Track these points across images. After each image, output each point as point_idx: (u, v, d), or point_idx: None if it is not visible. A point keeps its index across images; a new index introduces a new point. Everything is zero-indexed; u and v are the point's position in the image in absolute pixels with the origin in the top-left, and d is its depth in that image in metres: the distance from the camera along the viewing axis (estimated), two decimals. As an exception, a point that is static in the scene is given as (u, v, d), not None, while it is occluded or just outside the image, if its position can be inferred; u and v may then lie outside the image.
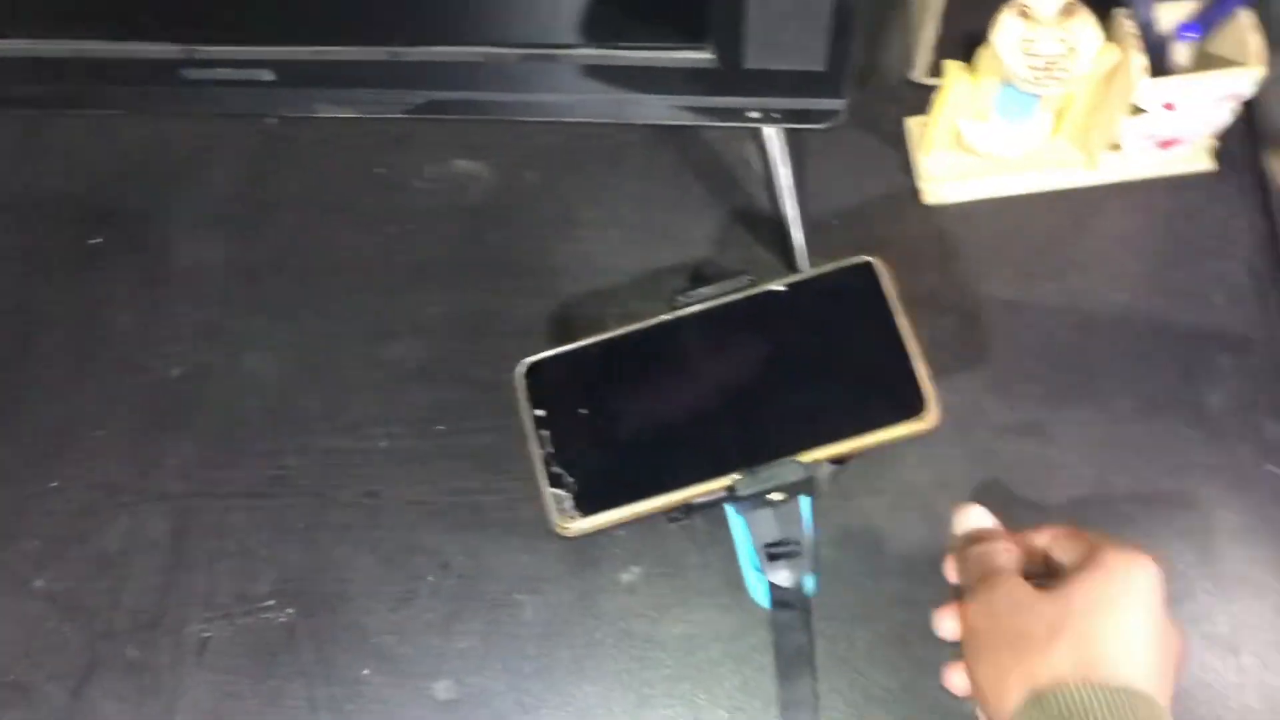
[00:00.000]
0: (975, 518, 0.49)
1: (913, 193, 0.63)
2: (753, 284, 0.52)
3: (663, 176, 0.65)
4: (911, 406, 0.49)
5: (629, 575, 0.56)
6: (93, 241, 0.65)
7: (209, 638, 0.56)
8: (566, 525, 0.49)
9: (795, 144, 0.63)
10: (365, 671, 0.55)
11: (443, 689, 0.55)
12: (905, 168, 0.64)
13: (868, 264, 0.51)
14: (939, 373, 0.59)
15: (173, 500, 0.59)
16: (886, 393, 0.49)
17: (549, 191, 0.65)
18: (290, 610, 0.56)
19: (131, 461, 0.60)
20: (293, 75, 0.56)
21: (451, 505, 0.58)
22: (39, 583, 0.57)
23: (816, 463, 0.48)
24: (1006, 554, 0.46)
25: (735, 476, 0.48)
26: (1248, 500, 0.56)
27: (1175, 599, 0.54)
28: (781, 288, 0.52)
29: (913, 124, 0.64)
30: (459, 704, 0.55)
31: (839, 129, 0.65)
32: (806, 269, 0.54)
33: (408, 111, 0.58)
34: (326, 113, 0.58)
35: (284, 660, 0.56)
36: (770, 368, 0.50)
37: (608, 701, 0.54)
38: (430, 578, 0.57)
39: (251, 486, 0.59)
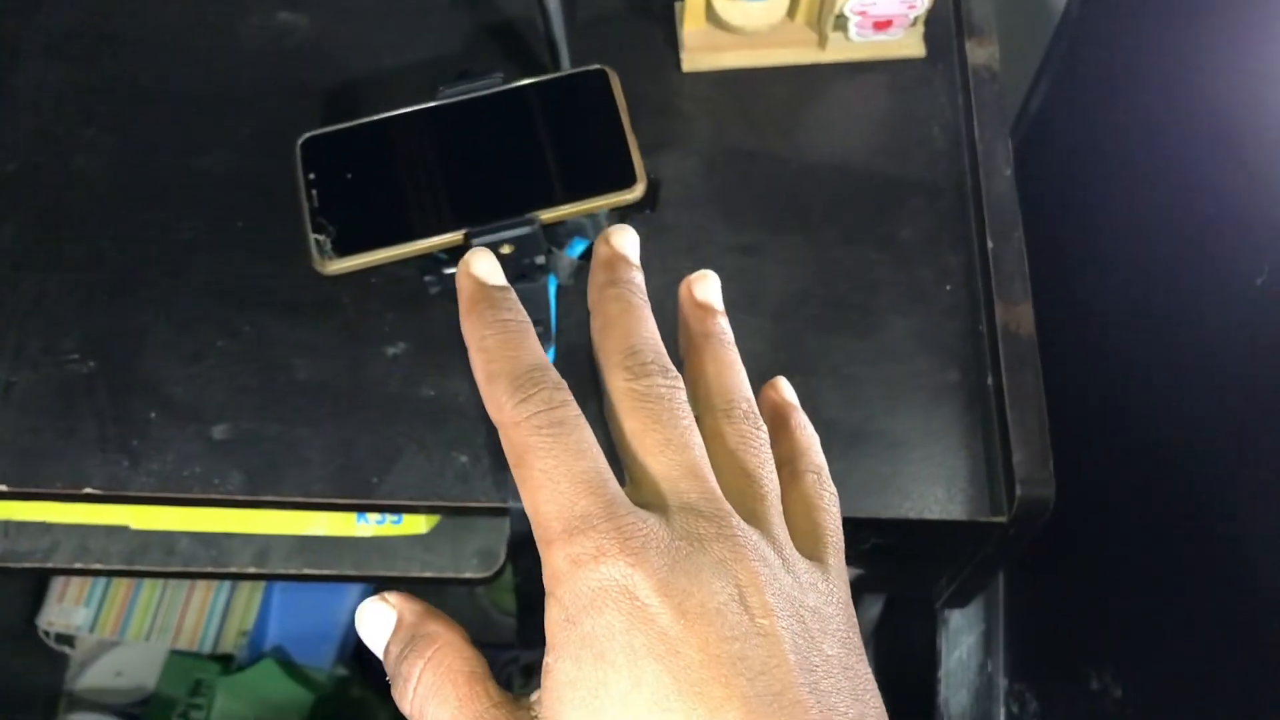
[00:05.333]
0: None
1: (675, 63, 0.74)
2: (504, 81, 0.61)
3: (461, 36, 0.74)
4: (625, 181, 0.58)
5: (394, 349, 0.65)
6: (-56, 60, 0.72)
7: (14, 383, 0.63)
8: (325, 264, 0.57)
9: (573, 20, 0.74)
10: (152, 415, 0.63)
11: (219, 431, 0.63)
12: (671, 42, 0.74)
13: (601, 70, 0.61)
14: (679, 202, 0.69)
15: (-6, 272, 0.66)
16: (606, 170, 0.58)
17: (360, 42, 0.74)
18: (91, 363, 0.64)
19: (-40, 238, 0.67)
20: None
21: (244, 286, 0.66)
22: None
23: (542, 222, 0.58)
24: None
25: (470, 229, 0.57)
26: (922, 311, 0.67)
27: (852, 381, 0.65)
28: (527, 84, 0.61)
29: (679, 6, 0.75)
30: (232, 443, 0.62)
31: (616, 14, 0.76)
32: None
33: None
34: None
35: (81, 404, 0.63)
36: (511, 148, 0.60)
37: (365, 448, 0.63)
38: (220, 343, 0.65)
39: (66, 263, 0.66)
